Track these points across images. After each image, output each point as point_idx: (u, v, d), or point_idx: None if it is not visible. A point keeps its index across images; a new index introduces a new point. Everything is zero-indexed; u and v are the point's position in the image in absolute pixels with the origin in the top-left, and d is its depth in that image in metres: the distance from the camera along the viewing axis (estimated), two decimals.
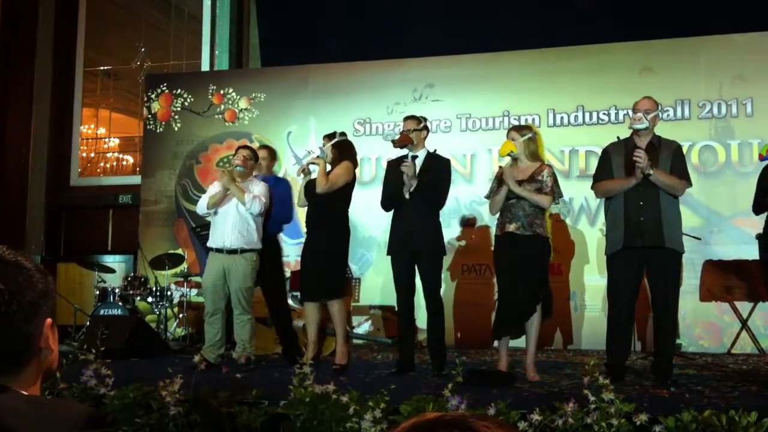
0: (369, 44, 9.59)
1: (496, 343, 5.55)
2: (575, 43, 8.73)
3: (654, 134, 5.16)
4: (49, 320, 1.34)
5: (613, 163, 5.19)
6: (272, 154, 6.69)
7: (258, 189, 5.98)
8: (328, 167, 5.82)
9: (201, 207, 6.11)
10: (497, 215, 5.41)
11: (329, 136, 5.93)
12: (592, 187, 5.40)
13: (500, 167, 5.49)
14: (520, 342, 5.47)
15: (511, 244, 5.23)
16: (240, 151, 6.12)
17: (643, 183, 4.98)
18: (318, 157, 5.80)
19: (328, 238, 5.76)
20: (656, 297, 5.10)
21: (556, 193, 5.25)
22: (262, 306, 6.75)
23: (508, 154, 5.36)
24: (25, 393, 1.28)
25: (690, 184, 5.18)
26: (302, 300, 5.98)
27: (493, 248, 5.57)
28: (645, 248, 5.00)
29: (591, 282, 7.96)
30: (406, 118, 5.84)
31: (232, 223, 5.87)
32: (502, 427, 0.88)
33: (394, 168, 5.70)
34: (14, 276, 1.31)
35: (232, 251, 5.85)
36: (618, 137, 5.37)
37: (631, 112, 5.28)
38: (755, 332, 7.32)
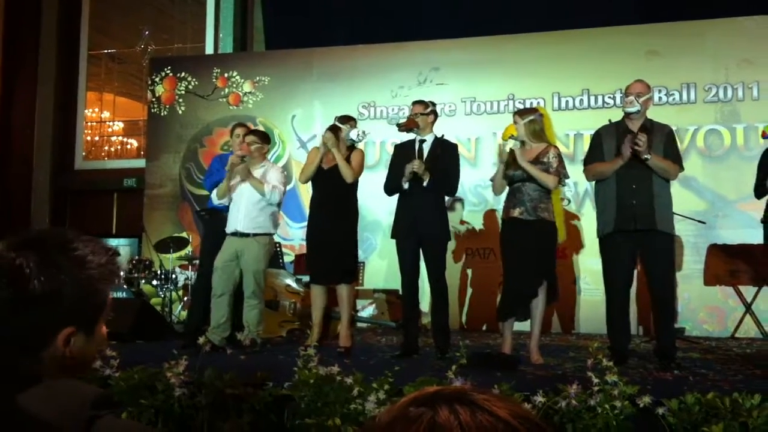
0: (373, 27, 9.55)
1: (501, 326, 5.56)
2: (581, 26, 8.68)
3: (646, 117, 5.18)
4: (67, 330, 1.32)
5: (604, 146, 5.21)
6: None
7: (275, 178, 6.00)
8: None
9: (213, 198, 6.18)
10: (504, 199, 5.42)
11: (353, 119, 5.95)
12: (584, 171, 5.41)
13: (499, 146, 5.48)
14: (524, 325, 5.47)
15: (516, 229, 5.24)
16: (246, 139, 6.09)
17: (636, 166, 4.98)
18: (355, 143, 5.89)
19: (340, 221, 5.77)
20: (653, 280, 5.10)
21: (562, 174, 5.25)
22: (268, 290, 6.77)
23: (510, 137, 5.37)
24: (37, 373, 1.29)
25: (682, 169, 5.20)
26: (312, 283, 5.98)
27: (499, 232, 5.57)
28: (637, 231, 5.01)
29: (593, 266, 7.93)
30: (414, 103, 5.84)
31: (245, 209, 5.90)
32: (503, 400, 0.88)
33: (400, 152, 5.71)
34: (55, 266, 1.31)
35: (244, 235, 5.88)
36: (610, 120, 5.39)
37: (623, 95, 5.30)
38: (759, 316, 7.32)
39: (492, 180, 5.50)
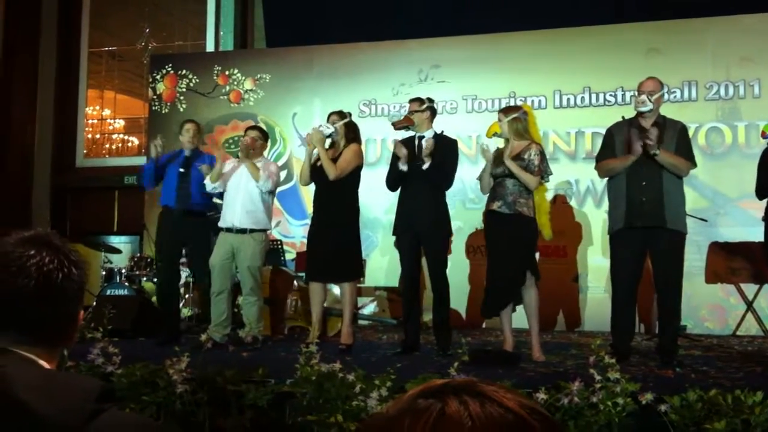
0: (374, 25, 9.53)
1: (484, 324, 5.56)
2: (582, 24, 8.67)
3: (659, 114, 5.16)
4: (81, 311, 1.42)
5: (616, 143, 5.20)
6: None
7: (273, 168, 6.09)
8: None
9: (207, 183, 6.11)
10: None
11: (338, 114, 5.92)
12: (596, 167, 5.41)
13: (481, 146, 5.49)
14: (524, 323, 5.47)
15: (495, 222, 5.30)
16: (248, 132, 6.15)
17: (646, 163, 4.96)
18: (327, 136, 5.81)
19: (342, 219, 5.73)
20: (659, 278, 5.10)
21: (545, 173, 5.26)
22: (267, 287, 6.77)
23: (494, 135, 5.40)
24: (46, 366, 1.30)
25: (694, 165, 5.16)
26: (311, 280, 5.92)
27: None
28: (646, 228, 4.99)
29: (596, 263, 7.95)
30: (410, 100, 5.85)
31: (241, 204, 5.90)
32: (511, 392, 0.88)
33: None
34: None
35: (241, 231, 5.87)
36: (623, 117, 5.36)
37: (635, 93, 5.28)
38: (760, 314, 7.31)
39: (479, 179, 5.52)
